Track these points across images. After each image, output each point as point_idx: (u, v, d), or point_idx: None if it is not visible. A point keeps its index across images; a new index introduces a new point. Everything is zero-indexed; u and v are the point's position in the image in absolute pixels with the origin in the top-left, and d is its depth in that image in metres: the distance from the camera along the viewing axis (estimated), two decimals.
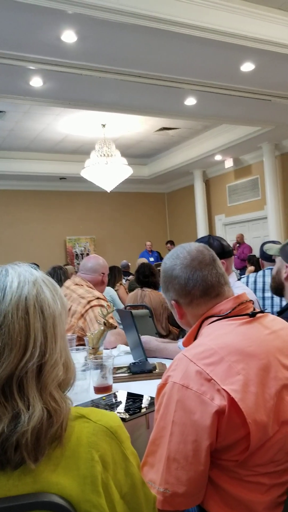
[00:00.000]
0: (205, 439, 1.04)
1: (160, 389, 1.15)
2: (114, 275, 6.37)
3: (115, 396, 1.66)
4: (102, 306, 2.76)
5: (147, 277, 4.84)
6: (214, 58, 5.50)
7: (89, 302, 2.76)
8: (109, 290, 5.36)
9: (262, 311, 1.28)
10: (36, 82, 5.81)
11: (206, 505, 1.12)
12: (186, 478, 1.05)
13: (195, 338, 1.29)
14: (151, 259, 11.52)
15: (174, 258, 1.37)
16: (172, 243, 12.31)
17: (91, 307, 2.75)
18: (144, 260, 8.12)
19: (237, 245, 10.58)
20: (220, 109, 7.48)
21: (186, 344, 1.31)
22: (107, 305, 2.84)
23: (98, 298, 2.82)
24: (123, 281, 7.47)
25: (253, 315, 1.24)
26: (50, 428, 0.84)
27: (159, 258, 11.96)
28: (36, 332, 0.87)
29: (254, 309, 1.28)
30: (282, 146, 10.06)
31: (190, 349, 1.18)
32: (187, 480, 1.05)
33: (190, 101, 6.93)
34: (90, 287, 2.93)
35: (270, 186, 10.01)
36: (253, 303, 1.32)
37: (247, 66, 5.80)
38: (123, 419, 1.38)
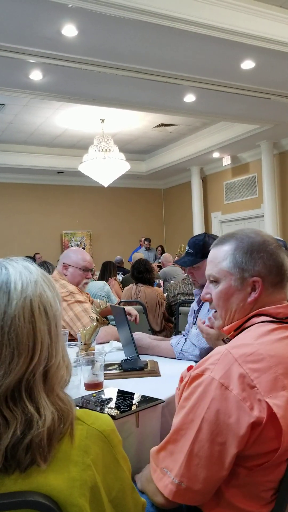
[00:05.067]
0: (234, 447, 1.00)
1: (194, 378, 1.09)
2: (109, 270, 6.38)
3: (106, 393, 1.65)
4: (79, 302, 2.68)
5: (141, 273, 4.84)
6: (214, 55, 5.49)
7: (63, 299, 2.64)
8: (103, 286, 5.36)
9: None
10: (36, 75, 5.78)
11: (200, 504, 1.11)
12: (204, 476, 1.02)
13: (237, 329, 1.22)
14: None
15: (262, 235, 1.27)
16: (149, 240, 11.99)
17: (68, 304, 2.65)
18: (141, 255, 8.12)
19: None
20: (219, 107, 7.47)
21: (227, 332, 1.25)
22: (85, 299, 2.78)
23: (71, 293, 2.71)
24: (118, 276, 7.48)
25: None
26: (60, 427, 0.84)
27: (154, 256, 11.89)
28: (42, 334, 0.85)
29: None
30: (280, 144, 10.05)
31: (236, 346, 1.09)
32: (204, 479, 1.03)
33: (189, 97, 6.91)
34: (65, 281, 2.81)
35: (267, 185, 10.01)
36: None
37: (247, 64, 5.79)
38: (112, 417, 1.38)
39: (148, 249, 11.76)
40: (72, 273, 2.82)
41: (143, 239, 12.02)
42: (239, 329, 1.22)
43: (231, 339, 1.21)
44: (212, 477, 1.03)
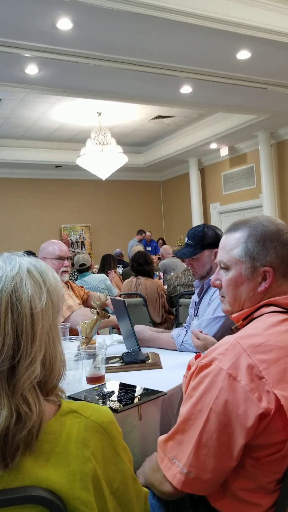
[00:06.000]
0: (241, 438, 1.00)
1: (202, 368, 1.08)
2: (109, 263, 6.38)
3: (108, 387, 1.66)
4: None
5: (141, 265, 4.84)
6: (210, 46, 5.46)
7: None
8: (103, 278, 5.37)
9: None
10: (32, 69, 5.75)
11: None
12: (212, 466, 1.03)
13: (246, 318, 1.22)
14: (148, 248, 11.41)
15: (276, 224, 1.25)
16: (144, 232, 11.84)
17: None
18: (139, 248, 8.12)
19: None
20: (216, 97, 7.43)
21: (236, 320, 1.25)
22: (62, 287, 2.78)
23: None
24: (119, 269, 7.49)
25: None
26: (18, 433, 0.80)
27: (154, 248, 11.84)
28: (6, 333, 0.82)
29: None
30: (277, 134, 10.02)
31: (245, 336, 1.09)
32: (213, 469, 1.03)
33: (186, 89, 6.88)
34: None
35: (265, 175, 9.99)
36: None
37: (243, 54, 5.75)
38: (114, 410, 1.39)
39: (140, 241, 11.62)
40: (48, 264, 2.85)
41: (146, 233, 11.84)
42: (248, 319, 1.22)
43: (239, 328, 1.21)
44: (220, 467, 1.03)
